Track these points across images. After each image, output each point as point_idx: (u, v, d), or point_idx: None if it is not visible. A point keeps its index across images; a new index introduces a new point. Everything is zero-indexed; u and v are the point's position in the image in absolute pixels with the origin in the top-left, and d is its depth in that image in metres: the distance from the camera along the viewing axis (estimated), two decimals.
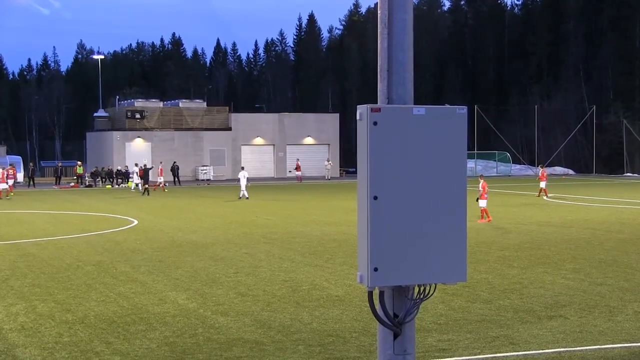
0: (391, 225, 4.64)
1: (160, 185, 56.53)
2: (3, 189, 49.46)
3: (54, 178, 69.44)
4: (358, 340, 11.98)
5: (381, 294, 4.76)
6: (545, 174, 45.91)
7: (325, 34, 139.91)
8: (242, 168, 51.22)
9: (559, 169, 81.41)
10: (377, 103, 4.77)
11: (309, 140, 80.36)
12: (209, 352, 11.31)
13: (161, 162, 62.78)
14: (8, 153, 79.01)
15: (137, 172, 56.50)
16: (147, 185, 52.25)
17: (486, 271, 18.29)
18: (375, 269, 4.62)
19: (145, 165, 58.17)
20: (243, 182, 46.26)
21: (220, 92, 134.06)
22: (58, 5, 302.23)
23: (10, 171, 51.94)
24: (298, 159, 73.39)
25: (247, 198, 45.16)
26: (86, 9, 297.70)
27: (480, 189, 30.10)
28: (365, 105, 4.68)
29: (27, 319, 13.40)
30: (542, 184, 44.80)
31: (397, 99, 4.78)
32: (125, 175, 66.93)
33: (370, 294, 4.75)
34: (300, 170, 70.77)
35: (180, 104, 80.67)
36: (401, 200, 4.66)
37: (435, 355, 11.22)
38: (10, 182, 50.54)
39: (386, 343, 4.80)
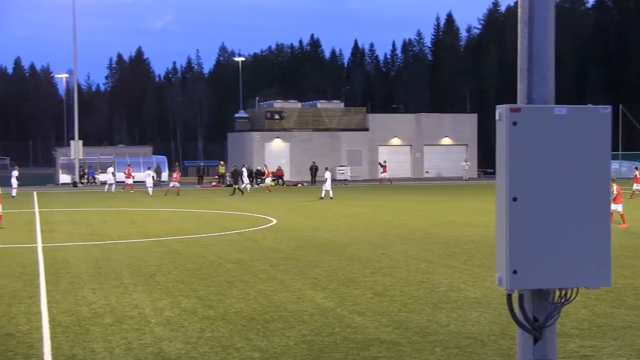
0: (531, 227, 4.54)
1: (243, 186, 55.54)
2: (128, 184, 52.51)
3: (197, 177, 71.59)
4: (496, 343, 11.78)
5: (520, 297, 4.66)
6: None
7: (463, 33, 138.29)
8: (326, 168, 51.58)
9: None
10: (516, 103, 4.69)
11: (446, 140, 79.55)
12: (346, 351, 11.38)
13: (265, 165, 63.52)
14: (154, 153, 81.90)
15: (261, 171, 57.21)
16: (237, 186, 51.98)
17: (632, 276, 17.61)
18: (515, 272, 4.53)
19: (236, 165, 58.58)
20: (328, 182, 46.63)
21: (357, 92, 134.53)
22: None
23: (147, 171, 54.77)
24: (385, 160, 71.82)
25: (332, 198, 45.47)
26: (228, 13, 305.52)
27: (614, 192, 28.97)
28: (505, 105, 4.61)
29: (172, 314, 13.87)
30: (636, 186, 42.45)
31: (537, 98, 4.68)
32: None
33: (509, 296, 4.66)
34: (386, 172, 68.77)
35: (318, 105, 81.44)
36: (541, 202, 4.55)
37: None
38: (150, 182, 52.78)
39: (526, 347, 4.70)
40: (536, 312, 4.67)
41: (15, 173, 53.78)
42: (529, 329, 4.65)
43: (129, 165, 62.44)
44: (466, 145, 79.04)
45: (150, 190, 52.24)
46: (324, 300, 15.08)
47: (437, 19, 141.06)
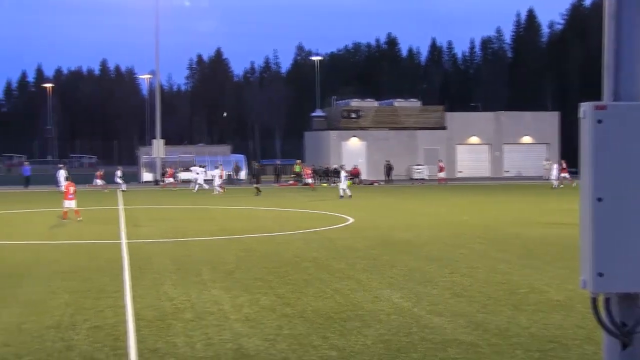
0: (617, 229, 4.45)
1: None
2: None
3: (274, 176, 72.17)
4: (581, 348, 11.53)
5: (607, 300, 4.54)
6: None
7: (545, 29, 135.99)
8: (342, 167, 51.53)
9: None
10: (601, 100, 4.60)
11: (526, 139, 78.46)
12: (424, 352, 11.33)
13: (299, 161, 63.21)
14: (232, 152, 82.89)
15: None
16: (257, 186, 51.45)
17: None
18: (600, 274, 4.45)
19: (257, 165, 58.35)
20: (343, 181, 46.83)
21: (434, 91, 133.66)
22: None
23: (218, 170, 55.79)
24: (441, 160, 70.84)
25: (350, 196, 45.43)
26: (305, 13, 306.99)
27: None
28: (589, 102, 4.53)
29: (251, 311, 14.02)
30: None
31: (624, 95, 4.58)
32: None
33: (593, 300, 4.56)
34: (443, 171, 67.75)
35: (395, 104, 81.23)
36: (628, 203, 4.46)
37: None
38: (219, 181, 53.46)
39: (612, 353, 4.56)
40: (624, 317, 4.52)
41: (118, 173, 58.55)
42: (617, 334, 4.50)
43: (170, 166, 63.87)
44: (547, 144, 77.77)
45: (216, 190, 52.15)
46: (401, 300, 15.04)
47: (518, 15, 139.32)
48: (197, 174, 58.08)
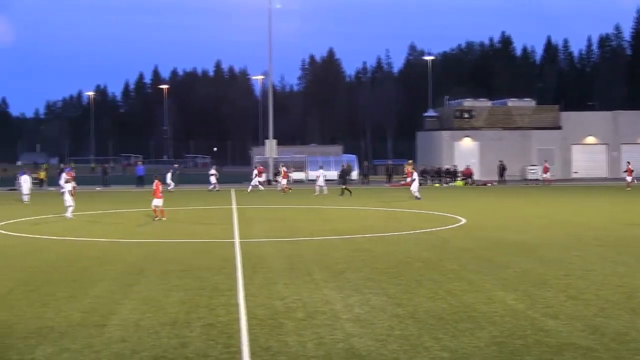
0: None
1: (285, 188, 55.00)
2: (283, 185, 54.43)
3: (386, 176, 72.08)
4: None
5: None
6: None
7: None
8: (344, 166, 51.89)
9: None
10: None
11: None
12: (539, 355, 11.10)
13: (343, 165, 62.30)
14: (344, 152, 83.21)
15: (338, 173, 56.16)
16: (344, 186, 50.75)
17: None
18: None
19: (344, 165, 57.52)
20: (416, 183, 45.80)
21: (549, 90, 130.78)
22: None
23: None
24: (629, 162, 68.84)
25: (419, 199, 44.21)
26: (418, 12, 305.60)
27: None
28: None
29: (362, 311, 14.04)
30: None
31: None
32: (453, 174, 67.84)
33: None
34: (631, 175, 65.78)
35: (509, 103, 79.95)
36: None
37: None
38: (322, 182, 53.52)
39: None
40: None
41: (212, 172, 58.76)
42: None
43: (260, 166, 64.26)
44: None
45: (322, 189, 52.04)
46: (514, 302, 14.78)
47: (638, 11, 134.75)
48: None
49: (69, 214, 33.74)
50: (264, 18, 72.95)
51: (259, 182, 58.19)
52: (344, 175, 52.44)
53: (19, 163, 70.48)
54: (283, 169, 58.13)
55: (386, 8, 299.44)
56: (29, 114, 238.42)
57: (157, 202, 32.77)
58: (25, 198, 46.29)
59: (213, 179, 58.85)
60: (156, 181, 33.54)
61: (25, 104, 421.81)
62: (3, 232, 29.09)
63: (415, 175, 47.01)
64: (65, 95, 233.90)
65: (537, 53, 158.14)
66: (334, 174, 70.94)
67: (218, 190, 57.16)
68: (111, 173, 70.40)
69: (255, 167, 63.19)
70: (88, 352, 11.43)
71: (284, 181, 55.85)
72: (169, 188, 56.02)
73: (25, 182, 47.20)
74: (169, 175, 58.70)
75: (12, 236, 27.62)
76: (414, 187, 45.74)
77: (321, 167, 56.09)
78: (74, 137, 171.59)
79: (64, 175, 50.39)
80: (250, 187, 57.20)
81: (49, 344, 11.85)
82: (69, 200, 34.00)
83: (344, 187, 50.69)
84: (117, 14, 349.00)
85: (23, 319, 13.62)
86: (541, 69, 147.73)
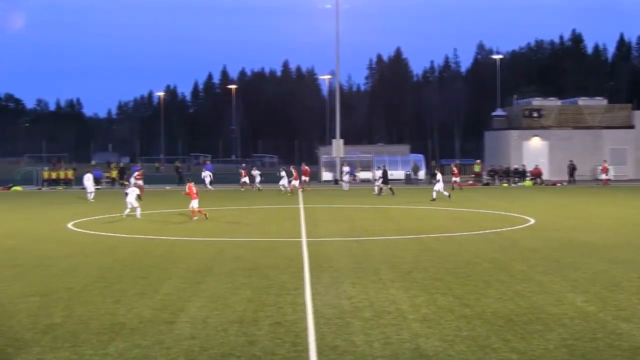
0: None
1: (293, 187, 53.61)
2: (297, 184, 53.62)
3: (452, 176, 71.50)
4: None
5: None
6: None
7: None
8: (437, 169, 49.96)
9: None
10: None
11: None
12: (610, 359, 10.91)
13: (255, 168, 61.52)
14: (411, 152, 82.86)
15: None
16: (387, 186, 50.02)
17: None
18: None
19: (383, 165, 56.47)
20: (440, 182, 45.20)
21: (622, 89, 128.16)
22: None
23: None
24: (605, 160, 66.93)
25: (449, 196, 44.28)
26: (486, 10, 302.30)
27: None
28: None
29: (429, 311, 13.98)
30: None
31: None
32: (521, 174, 67.03)
33: None
34: (606, 172, 63.96)
35: (580, 102, 78.60)
36: None
37: None
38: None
39: None
40: None
41: (282, 173, 57.70)
42: None
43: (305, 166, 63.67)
44: None
45: (377, 189, 51.38)
46: (585, 304, 14.53)
47: None
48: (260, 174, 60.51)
49: (137, 214, 34.24)
50: (332, 18, 73.09)
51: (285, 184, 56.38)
52: (385, 175, 51.87)
53: (92, 162, 72.01)
54: (294, 171, 55.12)
55: (454, 6, 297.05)
56: (102, 114, 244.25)
57: (194, 203, 33.26)
58: (90, 196, 47.23)
59: (258, 178, 59.92)
60: (189, 184, 34.26)
61: (98, 105, 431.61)
62: (76, 229, 29.74)
63: (440, 176, 46.43)
64: (137, 95, 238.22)
65: (608, 51, 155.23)
66: (400, 174, 70.88)
67: (260, 189, 57.92)
68: (183, 173, 71.30)
69: (240, 169, 63.48)
70: (158, 348, 11.63)
71: (296, 182, 54.03)
72: (209, 187, 58.05)
73: (89, 180, 48.08)
74: (256, 174, 59.55)
75: (84, 234, 28.23)
76: (439, 186, 45.23)
77: (379, 169, 56.14)
78: (144, 136, 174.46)
79: (134, 176, 51.64)
80: (283, 188, 54.65)
81: (121, 340, 12.09)
82: (133, 202, 34.44)
83: (387, 186, 50.41)
84: (187, 15, 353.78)
85: (97, 314, 13.92)
86: (613, 67, 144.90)
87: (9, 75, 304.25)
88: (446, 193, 45.18)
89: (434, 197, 44.47)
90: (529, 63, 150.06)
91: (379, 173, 53.77)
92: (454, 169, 58.76)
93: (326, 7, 75.36)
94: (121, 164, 70.74)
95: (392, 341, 11.85)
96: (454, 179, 57.00)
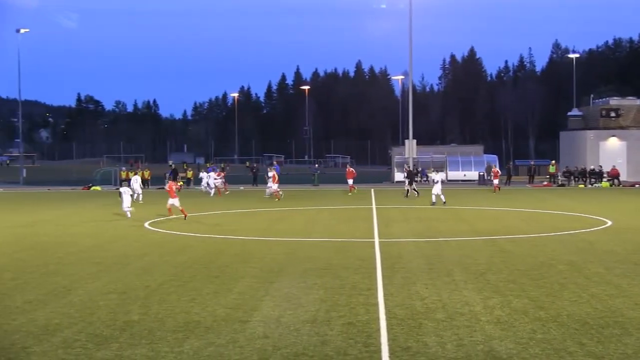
0: None
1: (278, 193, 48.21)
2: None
3: (527, 177, 70.58)
4: None
5: None
6: None
7: None
8: (435, 170, 47.99)
9: None
10: None
11: None
12: None
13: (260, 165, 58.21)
14: (485, 152, 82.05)
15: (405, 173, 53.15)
16: (411, 187, 48.94)
17: None
18: None
19: (408, 166, 55.15)
20: (439, 185, 42.29)
21: None
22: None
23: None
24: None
25: (444, 203, 40.88)
26: (562, 8, 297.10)
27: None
28: None
29: (503, 313, 13.84)
30: None
31: None
32: (598, 175, 65.72)
33: None
34: None
35: None
36: None
37: None
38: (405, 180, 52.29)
39: None
40: None
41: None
42: None
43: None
44: None
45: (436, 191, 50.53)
46: None
47: None
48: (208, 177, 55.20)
49: (128, 213, 34.90)
50: (405, 18, 72.80)
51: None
52: (411, 176, 50.77)
53: (170, 162, 73.29)
54: (273, 172, 50.03)
55: (529, 5, 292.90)
56: (178, 115, 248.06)
57: (174, 201, 34.24)
58: (138, 198, 46.89)
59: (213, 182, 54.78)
60: (170, 182, 36.00)
61: (174, 106, 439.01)
62: (152, 229, 30.29)
63: (439, 177, 43.35)
64: (211, 96, 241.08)
65: None
66: (474, 174, 70.25)
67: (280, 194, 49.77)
68: (258, 173, 71.81)
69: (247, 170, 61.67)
70: (232, 347, 11.77)
71: (275, 186, 48.62)
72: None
73: (136, 182, 47.48)
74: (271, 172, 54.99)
75: (159, 233, 28.73)
76: (438, 189, 42.03)
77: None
78: (218, 137, 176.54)
79: (212, 175, 52.73)
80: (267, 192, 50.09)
81: (195, 338, 12.28)
82: (127, 204, 35.10)
83: (411, 187, 49.27)
84: (261, 16, 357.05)
85: (172, 313, 14.17)
86: None
87: (89, 77, 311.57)
88: (443, 198, 41.45)
89: (434, 200, 41.80)
90: (606, 62, 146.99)
91: (409, 175, 51.38)
92: (494, 169, 57.65)
93: (381, 7, 75.10)
94: (171, 164, 70.81)
95: (465, 343, 11.78)
96: (494, 180, 55.83)
